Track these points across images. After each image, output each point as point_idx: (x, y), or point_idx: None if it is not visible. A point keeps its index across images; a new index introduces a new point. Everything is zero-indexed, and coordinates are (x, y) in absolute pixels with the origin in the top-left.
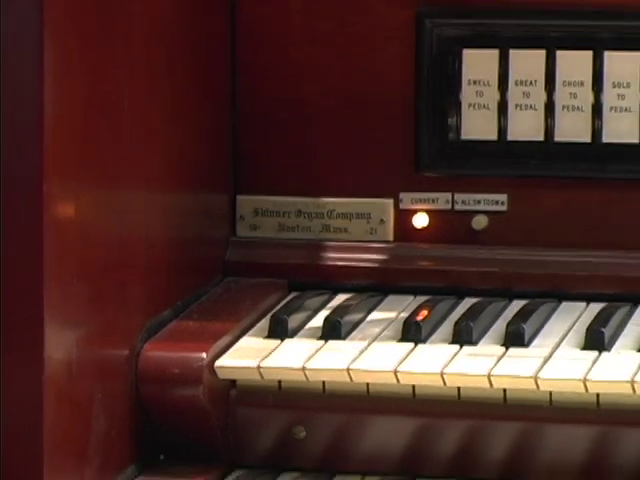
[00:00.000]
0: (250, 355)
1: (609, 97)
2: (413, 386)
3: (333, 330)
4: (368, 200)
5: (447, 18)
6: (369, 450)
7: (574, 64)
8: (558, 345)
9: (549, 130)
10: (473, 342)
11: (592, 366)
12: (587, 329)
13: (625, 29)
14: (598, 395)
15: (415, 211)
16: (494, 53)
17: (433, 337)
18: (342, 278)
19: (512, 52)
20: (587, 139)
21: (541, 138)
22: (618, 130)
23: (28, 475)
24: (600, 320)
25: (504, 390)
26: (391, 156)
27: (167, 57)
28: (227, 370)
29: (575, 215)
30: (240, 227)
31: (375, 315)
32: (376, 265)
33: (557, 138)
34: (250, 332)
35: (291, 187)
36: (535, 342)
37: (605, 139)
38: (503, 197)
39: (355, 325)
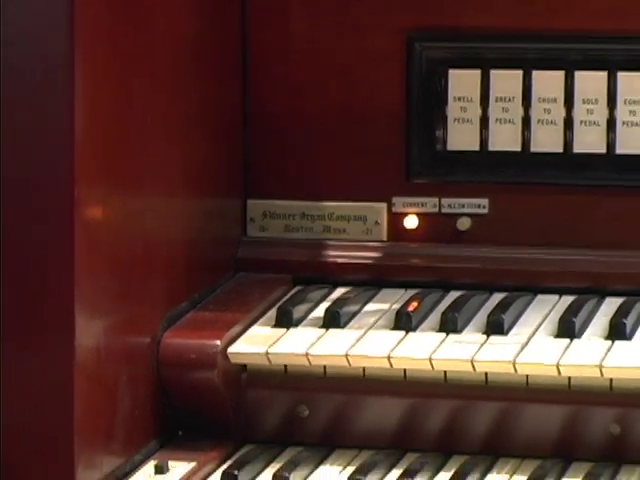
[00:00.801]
0: (259, 342)
1: (579, 112)
2: (404, 370)
3: (333, 320)
4: (364, 204)
5: (434, 42)
6: (365, 427)
7: (548, 83)
8: (534, 333)
9: (525, 142)
10: (458, 330)
11: (564, 352)
12: (559, 319)
13: (592, 51)
14: (570, 378)
15: (406, 214)
16: (476, 73)
17: (422, 326)
18: (341, 273)
19: (492, 72)
20: (559, 149)
21: (518, 149)
22: (587, 142)
23: (60, 449)
24: (571, 311)
25: (485, 373)
26: (385, 165)
27: (186, 74)
28: (239, 356)
29: (548, 217)
30: (250, 228)
31: (370, 306)
32: (371, 262)
33: (533, 149)
34: (259, 322)
35: (295, 192)
36: (513, 330)
37: (576, 150)
38: (485, 201)
39: (353, 315)
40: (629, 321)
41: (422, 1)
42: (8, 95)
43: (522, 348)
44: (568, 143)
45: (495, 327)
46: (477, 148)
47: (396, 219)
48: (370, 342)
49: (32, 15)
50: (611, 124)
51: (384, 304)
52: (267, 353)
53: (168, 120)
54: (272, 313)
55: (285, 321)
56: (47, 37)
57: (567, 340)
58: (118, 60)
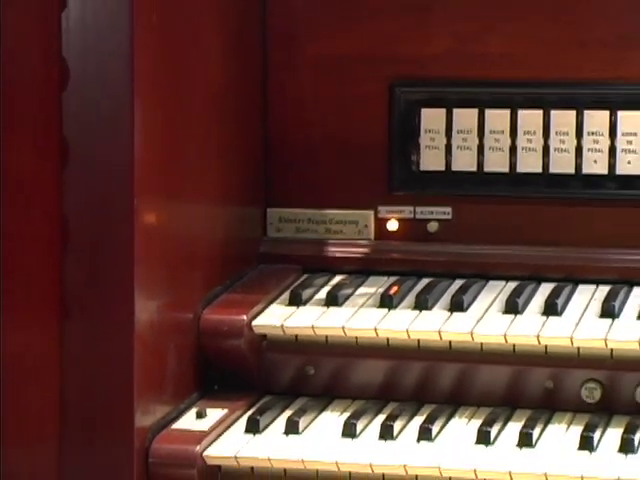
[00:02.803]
0: (276, 317)
1: (521, 141)
2: (387, 339)
3: (333, 300)
4: (356, 211)
5: (410, 87)
6: (357, 382)
7: (497, 119)
8: (486, 310)
9: (480, 164)
10: (428, 308)
11: (510, 325)
12: (506, 299)
13: (531, 94)
14: (514, 345)
15: (388, 219)
16: (442, 111)
17: (401, 305)
18: (339, 264)
19: (455, 110)
20: (506, 170)
21: (475, 169)
22: (527, 164)
23: (123, 400)
24: (515, 293)
25: (449, 342)
26: (372, 181)
27: (219, 110)
28: (260, 327)
29: (498, 222)
30: (269, 230)
31: (361, 290)
32: (362, 256)
33: (485, 169)
34: (276, 301)
35: (304, 203)
36: (471, 308)
37: (518, 170)
38: (449, 209)
39: (348, 297)
40: (560, 301)
41: (401, 57)
42: (82, 125)
43: (477, 322)
44: (513, 165)
45: (457, 305)
46: (443, 168)
47: (381, 223)
48: (361, 317)
49: (104, 65)
50: (546, 150)
51: (372, 288)
52: (282, 325)
53: (206, 146)
54: (286, 295)
55: (296, 301)
56: (114, 80)
57: (512, 316)
58: (166, 100)
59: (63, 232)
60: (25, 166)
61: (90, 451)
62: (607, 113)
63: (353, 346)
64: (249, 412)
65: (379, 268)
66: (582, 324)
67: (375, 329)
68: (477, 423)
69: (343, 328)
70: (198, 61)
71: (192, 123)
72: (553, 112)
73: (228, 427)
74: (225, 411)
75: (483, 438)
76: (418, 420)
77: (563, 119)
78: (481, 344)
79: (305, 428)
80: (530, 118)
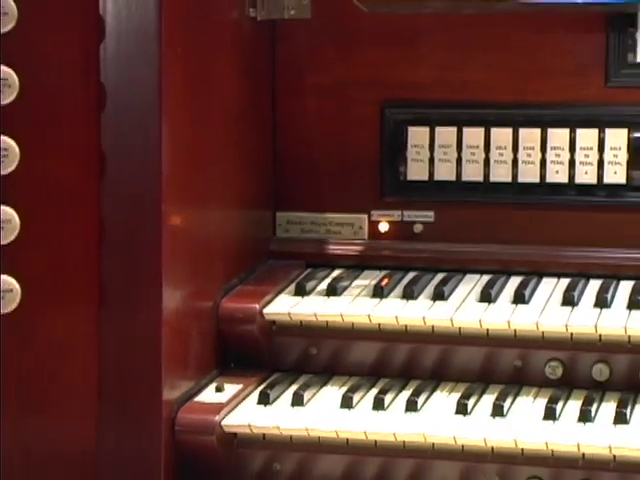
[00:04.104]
0: (284, 305)
1: (494, 155)
2: (379, 324)
3: (332, 291)
4: (353, 215)
5: (399, 109)
6: (353, 361)
7: (473, 135)
8: (464, 300)
9: (459, 174)
10: (414, 298)
11: (484, 312)
12: (481, 290)
13: (502, 115)
14: (488, 329)
15: (380, 221)
16: (426, 129)
17: (391, 295)
18: (337, 260)
19: (437, 129)
20: (481, 179)
21: (454, 179)
22: (499, 174)
23: (152, 377)
24: (489, 285)
25: (432, 326)
26: (366, 189)
27: (235, 127)
28: (270, 315)
29: (474, 224)
30: (278, 230)
31: (357, 282)
32: (357, 253)
33: (463, 179)
34: (283, 292)
35: (308, 207)
36: (450, 298)
37: (492, 179)
38: (431, 213)
39: (345, 288)
40: (527, 291)
41: (390, 83)
42: (118, 141)
43: (456, 309)
44: (486, 175)
45: (438, 295)
46: (426, 178)
47: (373, 225)
48: (356, 306)
49: (136, 89)
50: (515, 162)
51: (366, 280)
52: (289, 313)
53: (224, 159)
54: (292, 287)
55: (301, 292)
56: (144, 102)
57: (486, 304)
58: (190, 120)
59: (101, 232)
60: (70, 175)
61: (124, 421)
62: (567, 131)
63: (350, 330)
64: (261, 387)
65: (372, 263)
66: (546, 311)
67: (369, 316)
68: (456, 396)
69: (341, 315)
70: (217, 87)
71: (212, 140)
72: (521, 130)
73: (243, 400)
74: (240, 386)
75: (461, 409)
76: (405, 394)
77: (530, 136)
78: (459, 328)
79: (308, 401)
80: (501, 135)
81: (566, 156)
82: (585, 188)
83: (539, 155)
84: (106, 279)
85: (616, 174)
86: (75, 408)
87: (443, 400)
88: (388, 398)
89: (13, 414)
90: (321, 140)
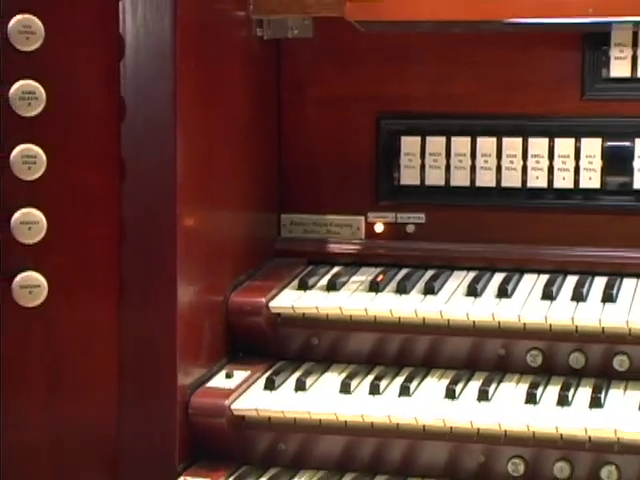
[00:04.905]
0: (288, 299)
1: (479, 162)
2: (375, 316)
3: (332, 286)
4: (351, 217)
5: (393, 120)
6: (351, 350)
7: (461, 144)
8: (452, 294)
9: (447, 179)
10: (407, 292)
11: (471, 305)
12: (468, 285)
13: (487, 125)
14: (474, 321)
15: (376, 223)
16: (418, 139)
17: (385, 290)
18: (336, 258)
19: (427, 138)
20: (468, 184)
21: (443, 184)
22: (484, 179)
23: (167, 365)
24: (475, 280)
25: (423, 318)
26: (363, 193)
27: (243, 138)
28: (275, 308)
29: (460, 225)
30: (283, 231)
31: (354, 278)
32: (355, 252)
33: (452, 184)
34: (287, 287)
35: (310, 209)
36: (440, 292)
37: (477, 184)
38: (422, 215)
39: (344, 283)
40: (510, 287)
41: (385, 96)
42: (136, 149)
43: (445, 303)
44: (473, 180)
45: (429, 290)
46: (418, 183)
47: (370, 226)
48: (354, 300)
49: (153, 102)
50: (499, 169)
51: (363, 277)
52: (292, 306)
53: (233, 166)
54: (295, 282)
55: (303, 287)
56: (160, 114)
57: (472, 298)
58: (202, 130)
59: (121, 233)
60: (92, 180)
61: (142, 404)
62: (547, 140)
63: (348, 322)
64: (267, 374)
65: (368, 261)
66: (527, 305)
67: (365, 309)
68: (445, 382)
69: (340, 308)
70: (227, 100)
71: (222, 148)
72: (504, 139)
73: (250, 385)
74: (248, 373)
75: (450, 394)
76: (399, 380)
77: (512, 144)
78: (448, 320)
79: (310, 386)
80: (486, 144)
81: (545, 163)
82: (563, 192)
83: (521, 162)
84: (125, 275)
85: (591, 179)
86: (97, 393)
87: (433, 386)
88: (383, 384)
89: (41, 398)
90: (322, 148)
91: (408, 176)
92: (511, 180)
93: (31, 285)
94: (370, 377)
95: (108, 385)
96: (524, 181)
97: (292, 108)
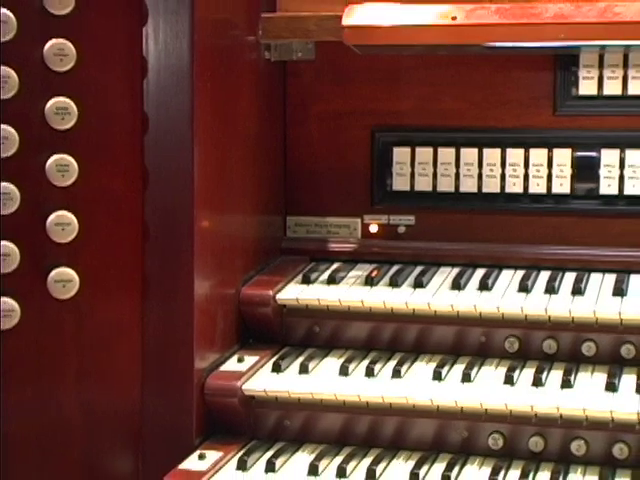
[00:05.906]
0: (292, 292)
1: (463, 170)
2: (370, 308)
3: (332, 280)
4: (349, 219)
5: (386, 132)
6: (349, 337)
7: (446, 154)
8: (439, 287)
9: (434, 186)
10: (399, 286)
11: (455, 297)
12: (452, 280)
13: (468, 138)
14: (458, 312)
15: (371, 224)
16: (408, 149)
17: (379, 284)
18: (336, 256)
19: (417, 149)
20: (452, 190)
21: (430, 190)
22: (468, 185)
23: (185, 349)
24: (459, 276)
25: (413, 309)
26: (360, 198)
27: (253, 149)
28: (281, 300)
29: (446, 226)
30: (288, 231)
31: (352, 273)
32: (352, 250)
33: (438, 190)
34: (292, 281)
35: (312, 212)
36: (428, 286)
37: (461, 190)
38: (412, 217)
39: (342, 278)
40: (490, 281)
41: (379, 111)
42: (158, 158)
43: (432, 295)
44: (457, 186)
45: (418, 284)
46: (408, 189)
47: (365, 227)
48: (352, 292)
49: (172, 116)
50: (480, 176)
51: (359, 272)
52: (297, 298)
53: (244, 173)
54: (299, 277)
55: (306, 281)
56: (179, 127)
57: (457, 291)
58: (216, 141)
59: (144, 234)
60: (118, 186)
61: (163, 386)
62: (522, 150)
63: (346, 312)
64: (274, 358)
65: (364, 258)
66: (505, 297)
67: (361, 301)
68: (433, 366)
69: (339, 300)
70: (239, 115)
71: (234, 158)
72: (485, 150)
73: (259, 369)
74: (257, 357)
75: (437, 376)
76: (391, 364)
77: (492, 154)
78: (435, 311)
79: (313, 369)
80: (469, 154)
81: (521, 171)
82: (537, 197)
83: (499, 170)
84: (148, 272)
85: (562, 186)
86: (124, 376)
87: (422, 369)
88: (377, 367)
89: (72, 381)
90: (323, 158)
91: (399, 183)
92: (491, 186)
93: (64, 280)
94: (366, 361)
95: (133, 369)
96: (502, 187)
97: (296, 122)
